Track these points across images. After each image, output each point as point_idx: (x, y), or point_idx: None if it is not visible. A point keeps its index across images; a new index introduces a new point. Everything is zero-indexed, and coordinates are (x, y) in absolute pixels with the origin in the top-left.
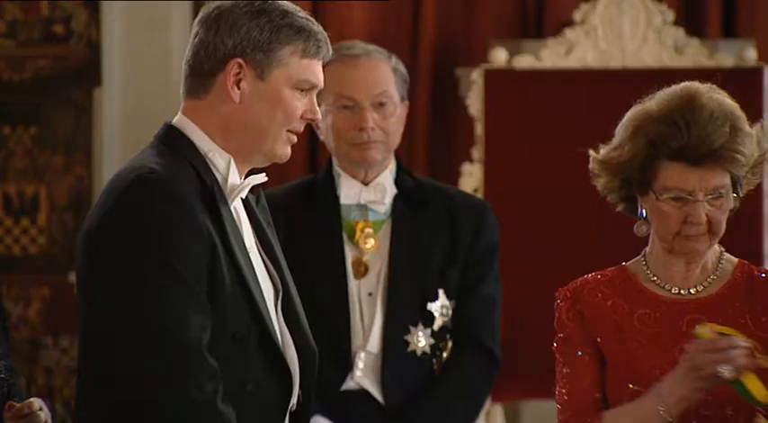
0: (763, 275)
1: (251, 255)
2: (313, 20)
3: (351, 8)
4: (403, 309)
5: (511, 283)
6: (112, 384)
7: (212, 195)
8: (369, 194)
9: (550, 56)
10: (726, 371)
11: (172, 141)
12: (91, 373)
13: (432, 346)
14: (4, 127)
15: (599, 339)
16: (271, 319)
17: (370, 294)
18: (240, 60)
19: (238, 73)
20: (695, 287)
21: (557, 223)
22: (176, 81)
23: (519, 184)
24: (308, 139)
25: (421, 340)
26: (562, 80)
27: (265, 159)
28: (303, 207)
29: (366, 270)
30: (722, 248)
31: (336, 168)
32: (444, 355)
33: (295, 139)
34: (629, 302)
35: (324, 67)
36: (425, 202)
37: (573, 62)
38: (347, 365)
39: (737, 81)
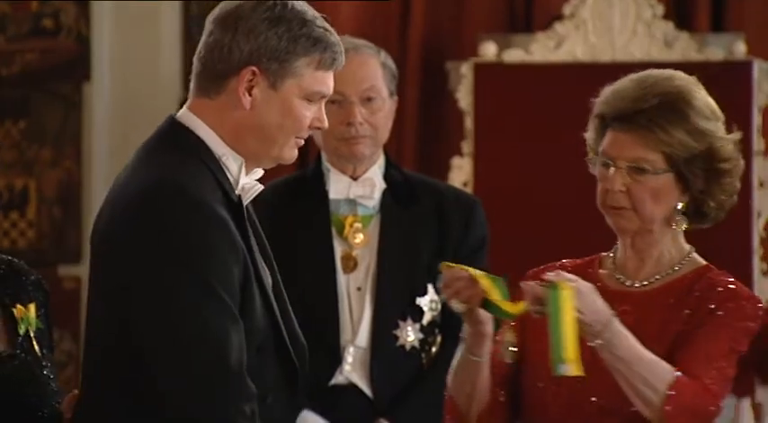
0: (720, 289)
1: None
2: (331, 29)
3: (339, 2)
4: (392, 303)
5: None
6: (153, 402)
7: (236, 206)
8: (358, 189)
9: (540, 50)
10: (455, 304)
11: (186, 143)
12: (126, 389)
13: (421, 341)
14: None
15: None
16: (284, 329)
17: (359, 289)
18: (255, 68)
19: (251, 80)
20: (644, 281)
21: (547, 217)
22: (166, 75)
23: (509, 177)
24: None
25: (410, 335)
26: (552, 74)
27: (272, 162)
28: (292, 202)
29: (355, 265)
30: (692, 249)
31: (325, 163)
32: (433, 349)
33: (302, 142)
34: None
35: None
36: (414, 196)
37: (563, 56)
38: (336, 360)
39: (727, 75)
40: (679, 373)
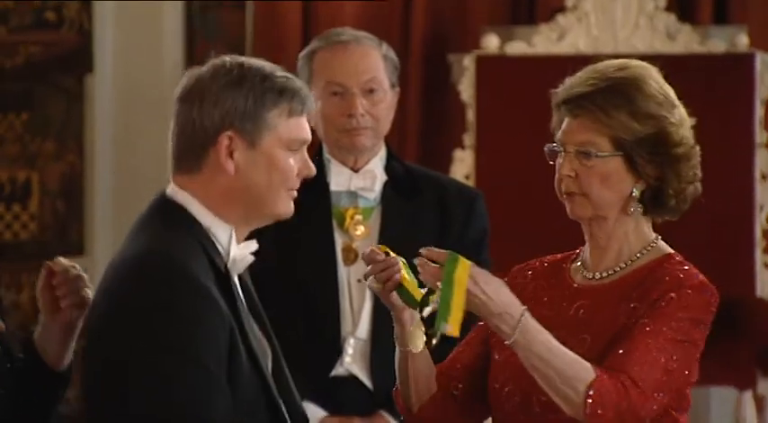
0: (667, 278)
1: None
2: (291, 76)
3: None
4: None
5: (501, 270)
6: None
7: (225, 278)
8: (359, 181)
9: (542, 42)
10: (371, 283)
11: (174, 217)
12: None
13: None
14: None
15: None
16: (278, 395)
17: (359, 281)
18: (230, 133)
19: (229, 144)
20: (604, 273)
21: (548, 209)
22: (168, 67)
23: (510, 170)
24: None
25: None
26: (554, 66)
27: (269, 220)
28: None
29: (356, 257)
30: (656, 238)
31: (326, 155)
32: (434, 341)
33: (295, 194)
34: (549, 286)
35: (313, 53)
36: (416, 189)
37: (565, 48)
38: (336, 351)
39: (729, 67)
40: (598, 372)
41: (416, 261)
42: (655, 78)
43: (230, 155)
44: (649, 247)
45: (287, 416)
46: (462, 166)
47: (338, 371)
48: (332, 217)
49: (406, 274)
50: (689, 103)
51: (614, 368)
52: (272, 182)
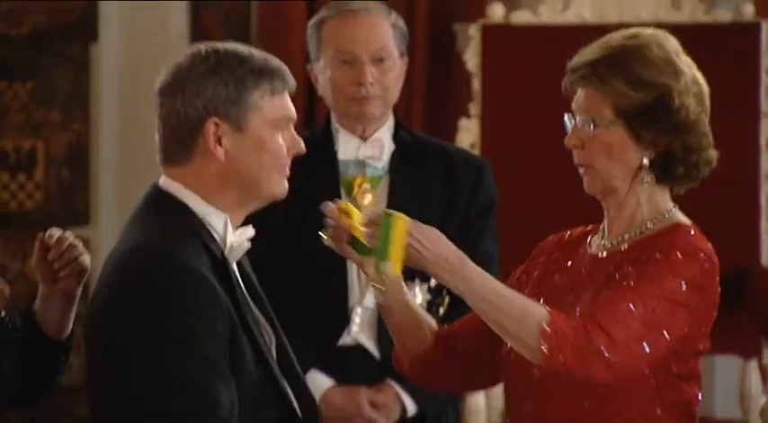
0: (661, 243)
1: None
2: (269, 56)
3: None
4: None
5: (506, 238)
6: None
7: (222, 265)
8: (367, 150)
9: (548, 11)
10: (324, 238)
11: (168, 208)
12: None
13: (429, 302)
14: (0, 82)
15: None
16: (284, 381)
17: None
18: (215, 119)
19: (216, 131)
20: (615, 241)
21: (553, 178)
22: (174, 36)
23: (516, 139)
24: (305, 95)
25: (418, 296)
26: (559, 36)
27: (264, 202)
28: (300, 163)
29: None
30: (671, 208)
31: (335, 124)
32: (441, 310)
33: (287, 173)
34: (571, 254)
35: (322, 22)
36: (424, 158)
37: (570, 17)
38: (344, 321)
39: (735, 36)
40: (553, 313)
41: (364, 211)
42: (661, 45)
43: (218, 141)
44: (661, 217)
45: (294, 402)
46: (468, 135)
47: (345, 340)
48: (340, 186)
49: (356, 223)
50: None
51: (583, 315)
52: (263, 163)
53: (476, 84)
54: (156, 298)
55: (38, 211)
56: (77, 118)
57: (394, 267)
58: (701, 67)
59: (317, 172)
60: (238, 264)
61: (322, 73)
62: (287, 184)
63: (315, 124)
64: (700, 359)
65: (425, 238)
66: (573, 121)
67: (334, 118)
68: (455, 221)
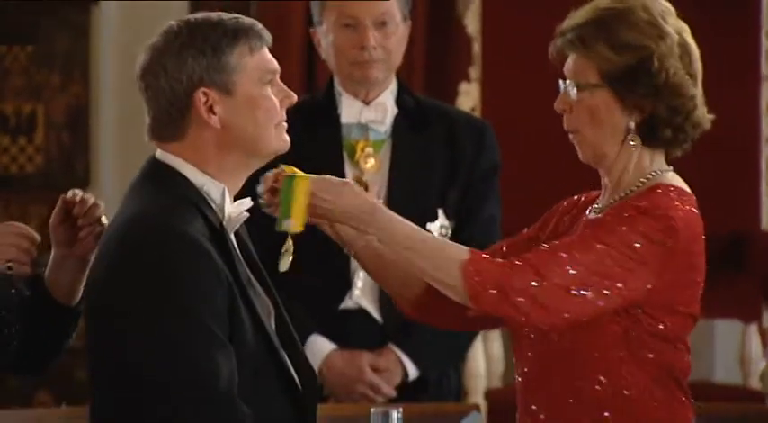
0: (643, 200)
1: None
2: (240, 15)
3: None
4: None
5: (508, 201)
6: None
7: (220, 235)
8: (369, 114)
9: None
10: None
11: (165, 179)
12: (120, 418)
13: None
14: (0, 46)
15: None
16: (283, 353)
17: None
18: (203, 89)
19: (207, 100)
20: (605, 205)
21: (554, 143)
22: None
23: (516, 103)
24: (305, 58)
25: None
26: None
27: (268, 158)
28: (303, 126)
29: (366, 190)
30: (659, 171)
31: (337, 88)
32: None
33: (285, 125)
34: (577, 219)
35: None
36: (426, 122)
37: None
38: (346, 284)
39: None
40: (473, 252)
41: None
42: (647, 8)
43: (210, 110)
44: (646, 179)
45: (293, 372)
46: (468, 99)
47: (347, 304)
48: (342, 149)
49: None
50: (693, 35)
51: (520, 258)
52: (259, 121)
53: (476, 47)
54: (155, 267)
55: (38, 174)
56: (77, 81)
57: (295, 225)
58: (701, 32)
59: (320, 136)
60: (236, 234)
61: (325, 37)
62: (287, 137)
63: (315, 90)
64: (687, 325)
65: (331, 193)
66: (563, 86)
67: (336, 82)
68: (458, 185)
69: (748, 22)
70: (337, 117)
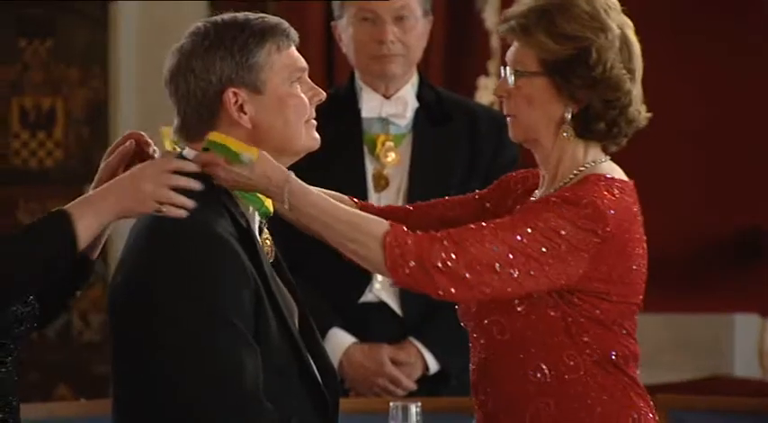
0: (568, 191)
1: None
2: (266, 15)
3: None
4: None
5: None
6: None
7: (247, 234)
8: (390, 108)
9: None
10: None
11: (193, 177)
12: (145, 416)
13: None
14: (20, 40)
15: None
16: (307, 353)
17: None
18: (232, 89)
19: (236, 100)
20: (540, 194)
21: None
22: None
23: None
24: (325, 53)
25: None
26: None
27: (298, 156)
28: (324, 120)
29: (386, 184)
30: (594, 161)
31: (358, 82)
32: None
33: (315, 123)
34: (525, 199)
35: None
36: (447, 116)
37: None
38: (366, 278)
39: None
40: (393, 224)
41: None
42: (591, 1)
43: (241, 109)
44: (581, 169)
45: (317, 373)
46: (487, 93)
47: (368, 297)
48: (363, 143)
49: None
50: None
51: (441, 233)
52: (289, 119)
53: (494, 41)
54: (183, 266)
55: (57, 168)
56: (97, 75)
57: (253, 153)
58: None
59: (341, 130)
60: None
61: (345, 30)
62: (317, 135)
63: (334, 85)
64: (627, 311)
65: (247, 167)
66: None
67: (357, 76)
68: (478, 179)
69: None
70: (358, 111)
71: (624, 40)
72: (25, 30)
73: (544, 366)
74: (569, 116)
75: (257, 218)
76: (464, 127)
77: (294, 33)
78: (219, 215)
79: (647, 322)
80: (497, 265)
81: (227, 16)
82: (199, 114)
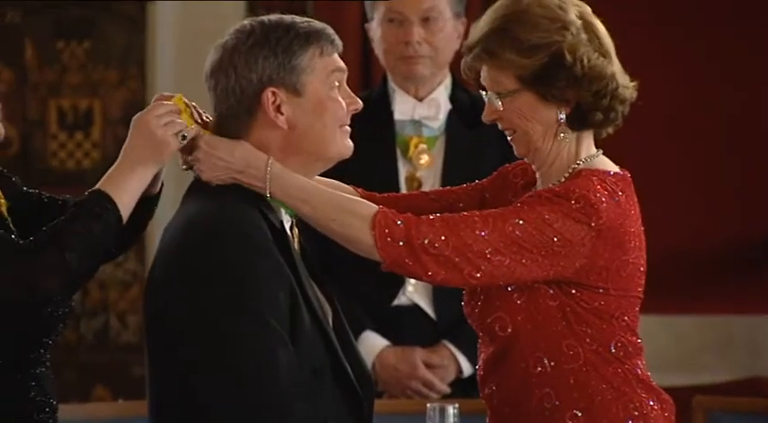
0: (559, 187)
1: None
2: (313, 20)
3: None
4: None
5: None
6: None
7: (281, 234)
8: (423, 110)
9: None
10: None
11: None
12: (182, 414)
13: None
14: (57, 41)
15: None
16: (342, 354)
17: None
18: (272, 88)
19: (275, 100)
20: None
21: (603, 140)
22: None
23: None
24: (361, 55)
25: None
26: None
27: (332, 162)
28: (357, 122)
29: (419, 186)
30: (588, 157)
31: (391, 84)
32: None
33: (348, 130)
34: (523, 192)
35: None
36: (480, 118)
37: None
38: (399, 281)
39: None
40: (382, 208)
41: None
42: (542, 3)
43: (278, 110)
44: (575, 165)
45: (351, 373)
46: None
47: (401, 300)
48: (396, 146)
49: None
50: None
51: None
52: (326, 122)
53: None
54: (218, 266)
55: (95, 169)
56: (134, 76)
57: (194, 130)
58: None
59: (374, 132)
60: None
61: (375, 32)
62: (351, 143)
63: (371, 87)
64: (627, 304)
65: (222, 149)
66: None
67: (389, 78)
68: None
69: None
70: (391, 113)
71: (587, 27)
72: (63, 31)
73: (544, 358)
74: (563, 117)
75: (287, 217)
76: (497, 130)
77: (338, 41)
78: (253, 214)
79: (685, 324)
80: (487, 251)
81: (273, 17)
82: (236, 111)
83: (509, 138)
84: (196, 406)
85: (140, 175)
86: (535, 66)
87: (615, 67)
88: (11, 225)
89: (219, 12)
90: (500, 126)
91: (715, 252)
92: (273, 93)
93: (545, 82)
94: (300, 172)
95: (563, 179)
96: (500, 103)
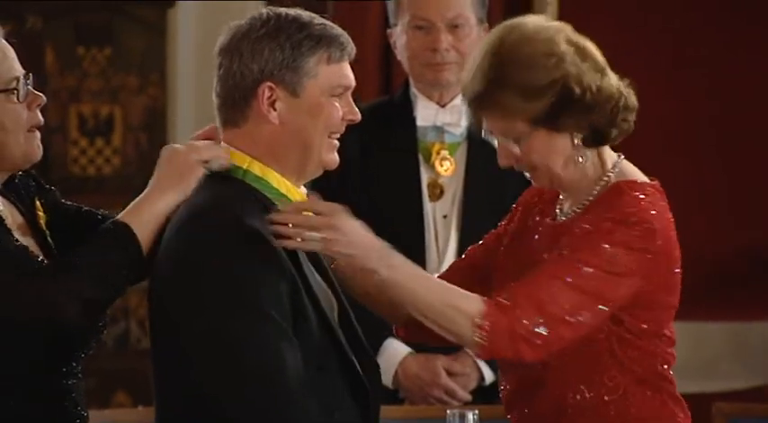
0: (599, 208)
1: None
2: (330, 23)
3: None
4: (478, 231)
5: None
6: None
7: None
8: (445, 116)
9: None
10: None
11: (227, 173)
12: (188, 413)
13: None
14: (78, 48)
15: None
16: (349, 350)
17: (444, 217)
18: (270, 83)
19: (270, 96)
20: (569, 212)
21: (622, 144)
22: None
23: None
24: (382, 61)
25: None
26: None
27: (315, 171)
28: (379, 127)
29: (441, 192)
30: (613, 164)
31: (413, 90)
32: None
33: (337, 143)
34: (543, 215)
35: None
36: None
37: None
38: None
39: None
40: (486, 303)
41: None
42: (527, 41)
43: (272, 105)
44: (606, 177)
45: (358, 367)
46: None
47: None
48: (418, 152)
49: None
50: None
51: (516, 295)
52: (317, 128)
53: None
54: (219, 261)
55: (115, 176)
56: (155, 83)
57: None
58: None
59: (396, 138)
60: None
61: (399, 38)
62: (337, 157)
63: (391, 90)
64: (668, 316)
65: (346, 228)
66: (496, 142)
67: (412, 84)
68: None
69: None
70: (413, 119)
71: (579, 50)
72: (83, 37)
73: (584, 388)
74: (579, 142)
75: None
76: None
77: (351, 48)
78: (255, 209)
79: (705, 331)
80: (570, 316)
81: (292, 11)
82: (232, 97)
83: (528, 176)
84: (200, 403)
85: (168, 201)
86: (546, 106)
87: (613, 78)
88: (49, 238)
89: (240, 17)
90: (517, 168)
91: (733, 259)
92: (270, 88)
93: (557, 117)
94: (294, 173)
95: (595, 193)
96: (516, 146)
